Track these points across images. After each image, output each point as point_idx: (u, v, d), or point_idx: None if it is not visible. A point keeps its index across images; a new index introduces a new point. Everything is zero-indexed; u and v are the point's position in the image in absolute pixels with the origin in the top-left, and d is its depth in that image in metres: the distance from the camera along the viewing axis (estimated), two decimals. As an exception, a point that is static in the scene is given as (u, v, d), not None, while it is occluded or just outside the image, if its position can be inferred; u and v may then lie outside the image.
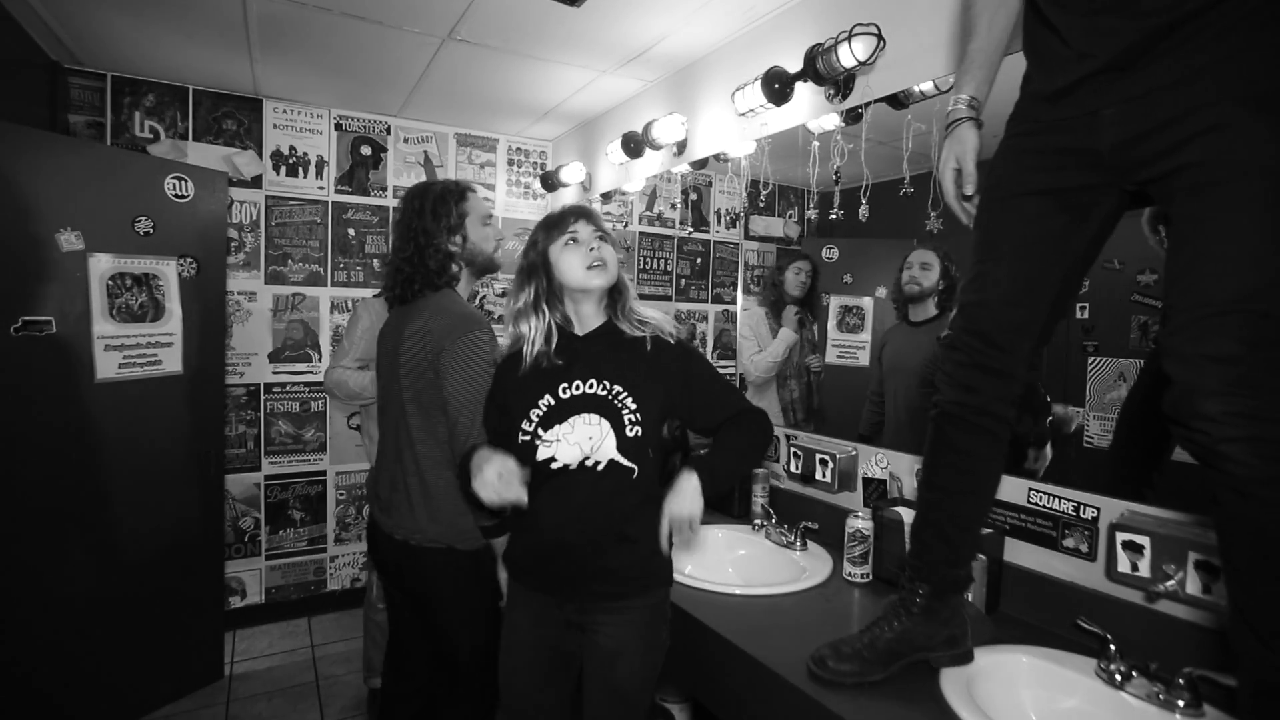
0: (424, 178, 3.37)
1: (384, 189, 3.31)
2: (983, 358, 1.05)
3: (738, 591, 1.48)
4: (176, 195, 2.40)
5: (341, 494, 3.29)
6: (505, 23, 2.24)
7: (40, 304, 2.06)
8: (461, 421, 1.42)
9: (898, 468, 1.69)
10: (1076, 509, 1.31)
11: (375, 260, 3.28)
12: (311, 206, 3.14)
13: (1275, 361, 0.72)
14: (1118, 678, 1.08)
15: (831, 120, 1.92)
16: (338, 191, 3.20)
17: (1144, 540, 1.13)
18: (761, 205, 2.61)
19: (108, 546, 2.25)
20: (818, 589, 1.52)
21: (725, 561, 1.81)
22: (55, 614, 2.12)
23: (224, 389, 2.73)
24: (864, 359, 2.30)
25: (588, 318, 1.30)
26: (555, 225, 1.28)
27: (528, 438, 1.23)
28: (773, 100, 1.93)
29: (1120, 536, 1.16)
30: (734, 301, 2.86)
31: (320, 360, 3.20)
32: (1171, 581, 1.09)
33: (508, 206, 3.59)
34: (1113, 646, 1.10)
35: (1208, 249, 0.76)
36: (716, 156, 2.38)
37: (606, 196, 3.17)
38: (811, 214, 2.07)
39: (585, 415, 1.22)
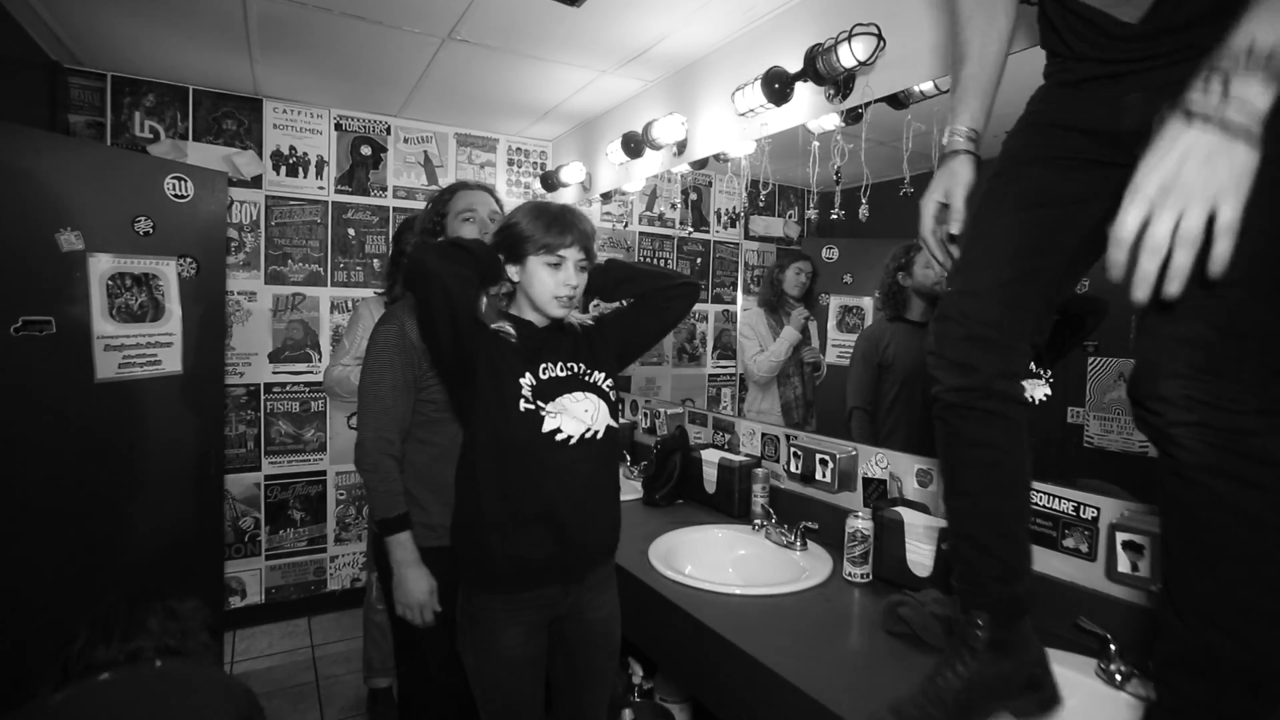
0: (424, 178, 3.38)
1: (384, 189, 3.31)
2: (978, 329, 0.92)
3: (738, 591, 1.48)
4: (176, 195, 2.40)
5: (341, 494, 3.29)
6: (505, 23, 2.24)
7: (40, 304, 2.06)
8: (362, 399, 1.48)
9: (898, 468, 1.69)
10: (1076, 509, 1.31)
11: (375, 260, 3.28)
12: (311, 206, 3.14)
13: (1243, 350, 0.71)
14: (1118, 678, 1.08)
15: (831, 120, 1.92)
16: (338, 191, 3.20)
17: (1144, 540, 1.13)
18: (761, 205, 2.61)
19: (107, 546, 2.25)
20: (818, 589, 1.52)
21: (725, 561, 1.81)
22: (55, 614, 2.12)
23: (224, 389, 2.74)
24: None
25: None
26: (548, 238, 1.24)
27: (531, 407, 1.22)
28: (773, 100, 1.93)
29: (1120, 536, 1.16)
30: (734, 301, 2.86)
31: (320, 360, 3.20)
32: (1171, 581, 1.09)
33: (508, 206, 3.59)
34: (1113, 646, 1.10)
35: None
36: (716, 156, 2.38)
37: (606, 196, 3.17)
38: (811, 214, 2.07)
39: (572, 394, 1.26)
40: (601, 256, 1.39)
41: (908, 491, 1.66)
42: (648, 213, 3.31)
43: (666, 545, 1.72)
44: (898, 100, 1.72)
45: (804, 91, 1.96)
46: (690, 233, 3.23)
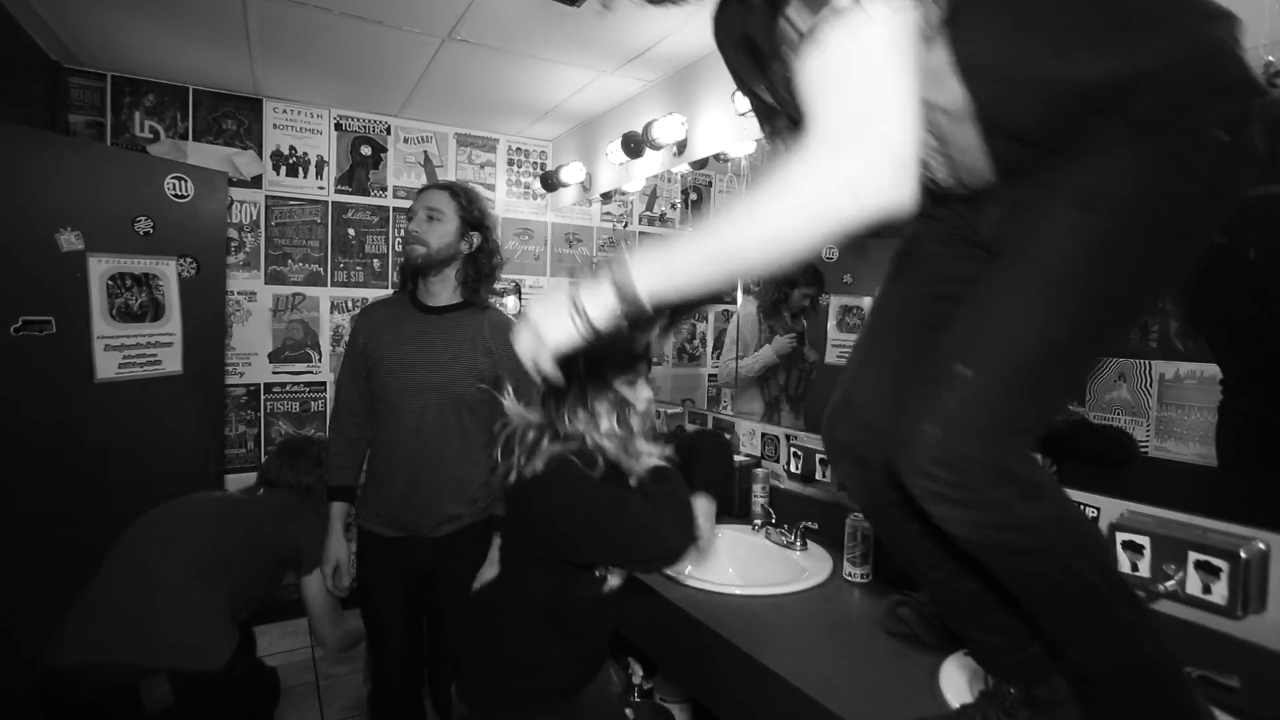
0: (424, 178, 3.38)
1: (384, 189, 3.31)
2: (853, 450, 0.94)
3: (738, 591, 1.48)
4: (176, 195, 2.40)
5: (341, 494, 3.29)
6: (505, 23, 2.24)
7: (40, 304, 2.06)
8: None
9: (898, 468, 1.68)
10: (1076, 509, 1.31)
11: (375, 260, 3.28)
12: (311, 206, 3.14)
13: (966, 419, 0.75)
14: (1118, 677, 1.08)
15: (831, 120, 1.92)
16: (338, 191, 3.20)
17: (1144, 540, 1.13)
18: (761, 205, 2.61)
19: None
20: (818, 589, 1.52)
21: (725, 561, 1.81)
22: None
23: (224, 389, 2.74)
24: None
25: None
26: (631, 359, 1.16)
27: None
28: (773, 100, 1.93)
29: (1120, 536, 1.16)
30: (734, 301, 2.86)
31: (320, 360, 3.20)
32: (1171, 581, 1.09)
33: (507, 206, 3.59)
34: (1113, 646, 1.10)
35: (968, 309, 0.81)
36: (716, 156, 2.38)
37: (606, 196, 3.17)
38: (811, 214, 2.07)
39: None
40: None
41: (908, 491, 1.65)
42: (648, 213, 3.31)
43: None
44: (898, 100, 1.72)
45: (804, 91, 1.95)
46: (690, 233, 3.22)
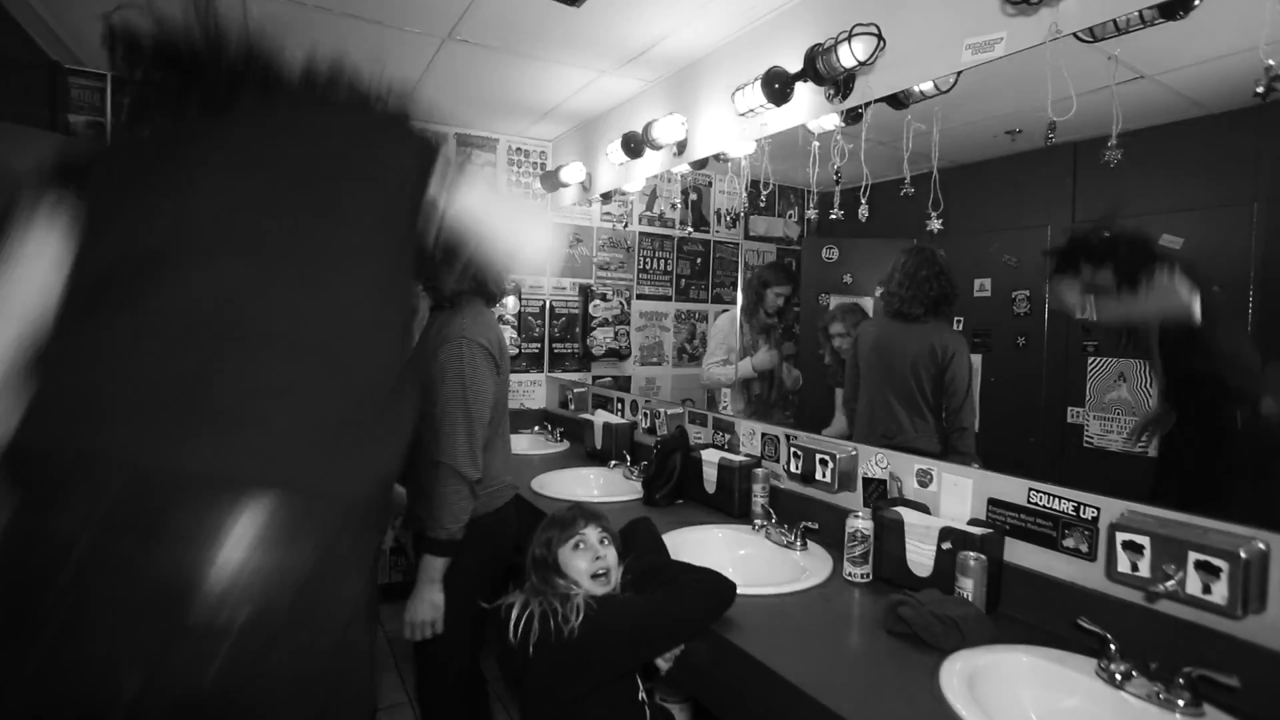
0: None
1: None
2: None
3: (738, 591, 1.48)
4: (176, 195, 2.40)
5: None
6: (505, 23, 2.24)
7: (40, 304, 2.06)
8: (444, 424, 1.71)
9: (898, 468, 1.69)
10: (1076, 509, 1.31)
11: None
12: (311, 206, 3.14)
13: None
14: (1118, 677, 1.08)
15: (831, 120, 1.92)
16: (338, 191, 3.20)
17: (1144, 540, 1.13)
18: (761, 205, 2.62)
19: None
20: (818, 589, 1.52)
21: (725, 561, 1.81)
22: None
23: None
24: (864, 359, 2.30)
25: None
26: (563, 534, 1.41)
27: None
28: (773, 100, 1.93)
29: (1120, 536, 1.16)
30: (734, 301, 2.86)
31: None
32: (1171, 581, 1.09)
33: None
34: (1113, 646, 1.10)
35: None
36: (716, 156, 2.38)
37: (606, 196, 3.17)
38: (811, 214, 2.07)
39: None
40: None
41: (908, 491, 1.66)
42: (648, 213, 3.31)
43: (667, 545, 1.72)
44: (898, 100, 1.72)
45: (804, 91, 1.96)
46: (690, 233, 3.23)
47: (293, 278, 0.72)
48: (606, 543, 1.43)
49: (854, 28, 1.64)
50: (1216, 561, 1.04)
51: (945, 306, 1.94)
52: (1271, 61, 1.10)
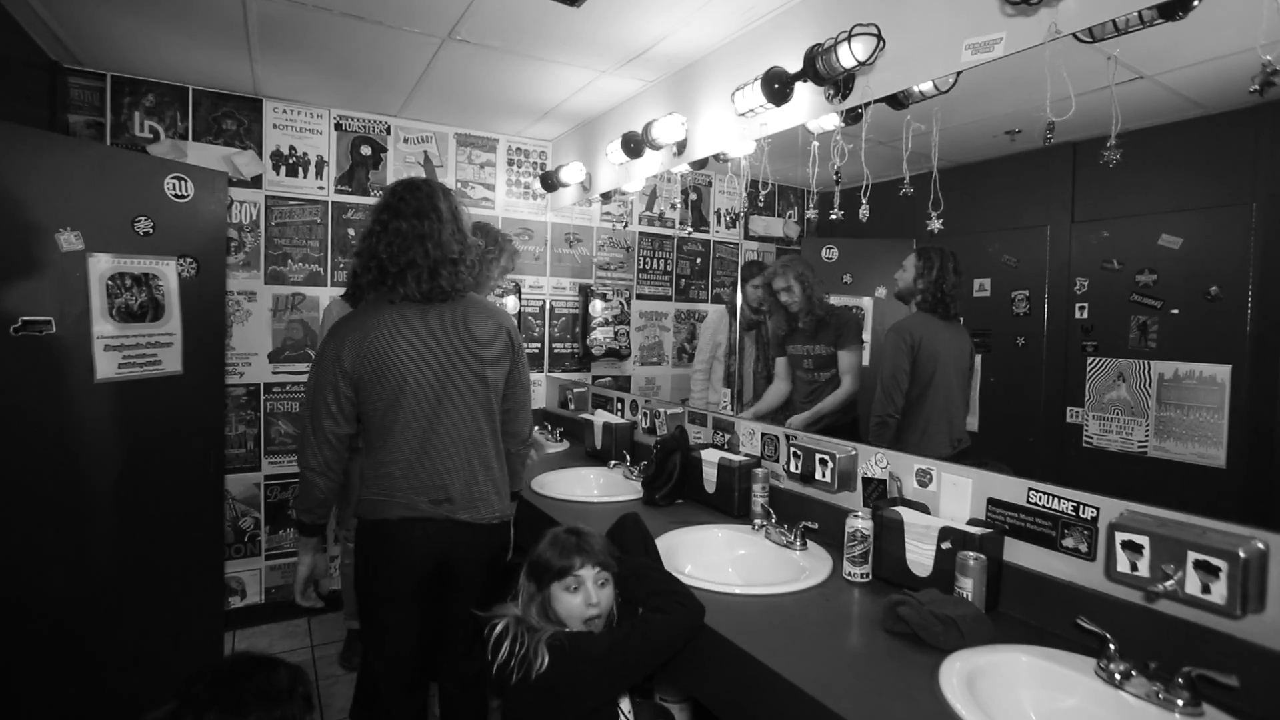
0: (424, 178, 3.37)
1: (384, 189, 3.31)
2: None
3: (738, 591, 1.48)
4: (176, 195, 2.40)
5: (341, 494, 3.29)
6: (505, 23, 2.25)
7: (40, 304, 2.06)
8: (530, 396, 1.82)
9: (898, 468, 1.69)
10: (1076, 509, 1.31)
11: (375, 260, 3.28)
12: (311, 206, 3.14)
13: None
14: (1117, 677, 1.08)
15: (831, 120, 1.92)
16: (338, 191, 3.20)
17: (1143, 540, 1.13)
18: (761, 205, 2.62)
19: (107, 546, 2.25)
20: (818, 589, 1.52)
21: (725, 561, 1.81)
22: (54, 613, 2.12)
23: (224, 389, 2.73)
24: (864, 359, 2.30)
25: None
26: (558, 568, 1.35)
27: None
28: (773, 100, 1.93)
29: (1119, 536, 1.16)
30: (734, 301, 2.86)
31: (320, 360, 3.20)
32: (1170, 581, 1.09)
33: (508, 206, 3.59)
34: (1112, 646, 1.10)
35: None
36: (716, 156, 2.38)
37: (606, 196, 3.17)
38: (811, 214, 2.07)
39: None
40: None
41: (907, 491, 1.66)
42: (648, 213, 3.31)
43: (666, 545, 1.72)
44: (897, 100, 1.72)
45: (804, 92, 1.96)
46: (690, 233, 3.23)
47: None
48: (604, 584, 1.37)
49: (854, 28, 1.64)
50: (1216, 561, 1.05)
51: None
52: (1269, 57, 1.10)
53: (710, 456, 2.13)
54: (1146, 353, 1.61)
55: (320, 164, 3.16)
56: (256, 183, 3.03)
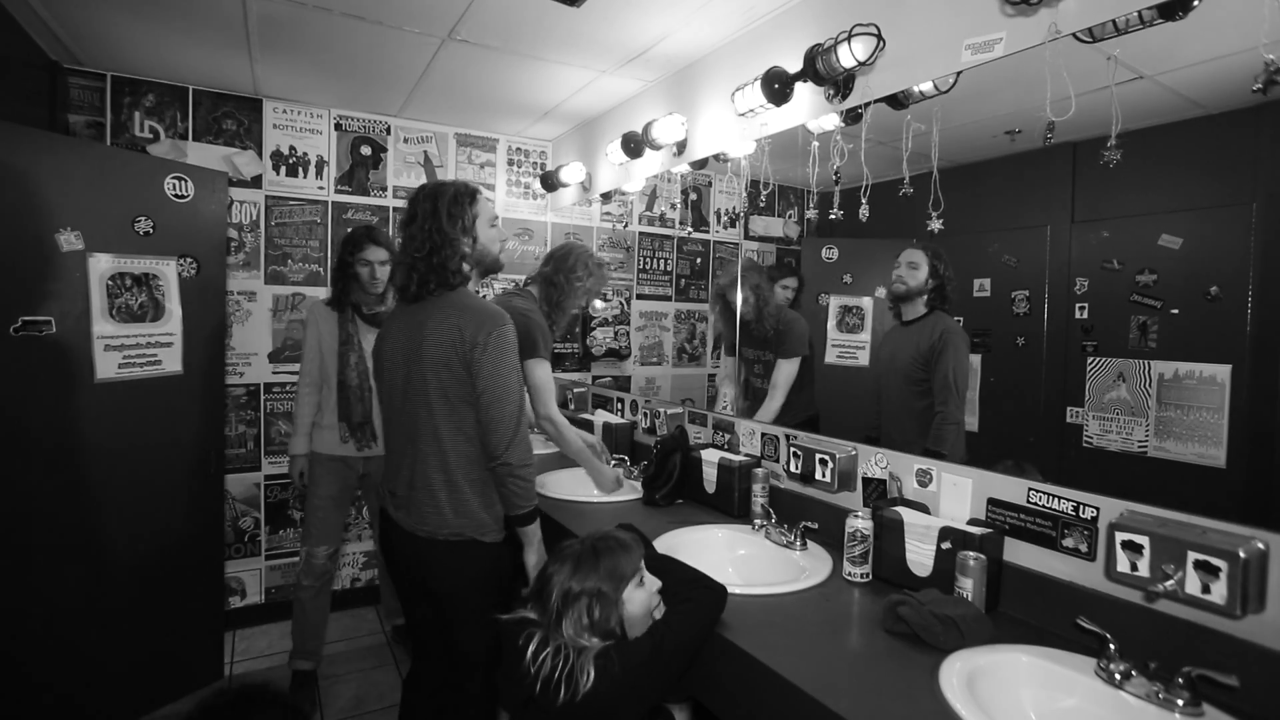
0: (424, 178, 3.37)
1: (384, 189, 3.31)
2: None
3: (738, 591, 1.48)
4: (176, 195, 2.40)
5: (341, 494, 3.29)
6: (505, 23, 2.25)
7: (40, 304, 2.06)
8: (508, 409, 1.54)
9: (898, 468, 1.69)
10: (1076, 509, 1.31)
11: (375, 260, 3.28)
12: (311, 206, 3.14)
13: None
14: (1117, 677, 1.08)
15: (831, 120, 1.92)
16: (338, 191, 3.20)
17: (1143, 540, 1.13)
18: (761, 205, 2.62)
19: (108, 546, 2.25)
20: (817, 589, 1.52)
21: (725, 561, 1.81)
22: (55, 613, 2.12)
23: (224, 389, 2.73)
24: (864, 359, 2.31)
25: None
26: (633, 570, 1.29)
27: None
28: (772, 100, 1.93)
29: (1119, 536, 1.16)
30: (734, 301, 2.86)
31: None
32: (1171, 581, 1.09)
33: (508, 206, 3.59)
34: (1112, 646, 1.10)
35: None
36: (716, 156, 2.38)
37: (606, 196, 3.17)
38: (811, 214, 2.07)
39: None
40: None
41: (907, 491, 1.66)
42: (648, 213, 3.31)
43: (666, 545, 1.72)
44: (897, 100, 1.72)
45: (804, 92, 1.96)
46: (690, 233, 3.23)
47: None
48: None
49: (854, 28, 1.64)
50: (1216, 561, 1.05)
51: None
52: (1271, 56, 1.10)
53: (710, 456, 2.12)
54: (1146, 353, 1.61)
55: (320, 164, 3.16)
56: (256, 183, 3.03)
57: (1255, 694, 1.01)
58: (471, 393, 1.53)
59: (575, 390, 3.36)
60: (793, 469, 1.90)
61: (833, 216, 1.96)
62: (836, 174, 1.92)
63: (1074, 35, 1.32)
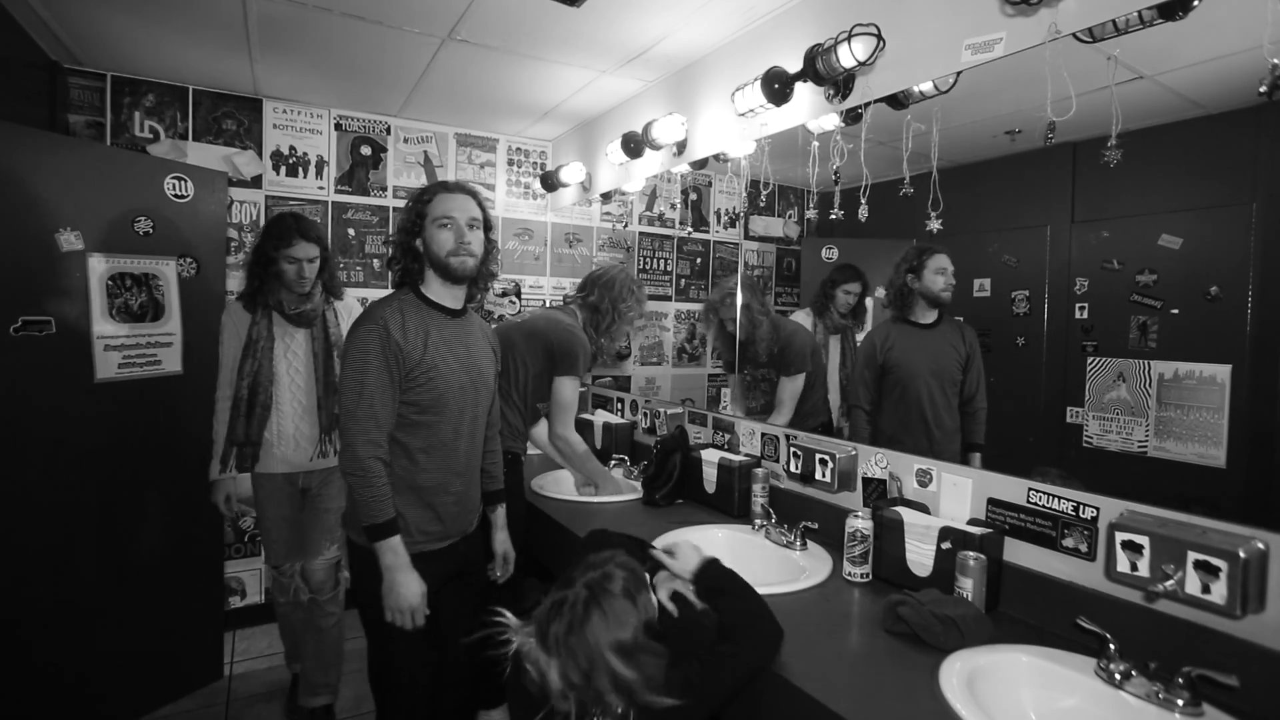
0: (424, 178, 3.38)
1: (384, 189, 3.31)
2: None
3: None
4: (176, 195, 2.40)
5: (341, 494, 3.28)
6: (505, 23, 2.25)
7: (40, 304, 2.06)
8: (345, 408, 1.49)
9: (898, 468, 1.69)
10: (1076, 509, 1.31)
11: (375, 260, 3.28)
12: (311, 206, 3.14)
13: None
14: (1117, 677, 1.08)
15: (831, 120, 1.92)
16: (338, 191, 3.20)
17: (1143, 540, 1.13)
18: (761, 205, 2.62)
19: (107, 546, 2.25)
20: (817, 589, 1.52)
21: (725, 561, 1.80)
22: (55, 613, 2.12)
23: (224, 389, 2.73)
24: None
25: None
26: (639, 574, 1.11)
27: None
28: (772, 100, 1.93)
29: (1119, 536, 1.16)
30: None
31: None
32: (1170, 581, 1.09)
33: (508, 206, 3.59)
34: (1112, 646, 1.10)
35: None
36: (716, 156, 2.38)
37: (606, 196, 3.18)
38: (811, 214, 2.07)
39: None
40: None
41: (908, 491, 1.66)
42: (648, 213, 3.31)
43: (666, 545, 1.72)
44: (897, 100, 1.72)
45: (804, 92, 1.96)
46: (690, 233, 3.23)
47: None
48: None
49: (854, 28, 1.64)
50: (1216, 561, 1.05)
51: None
52: (1277, 60, 1.10)
53: (710, 456, 2.13)
54: (1146, 353, 1.61)
55: (320, 164, 3.16)
56: (256, 183, 3.03)
57: (1255, 694, 1.01)
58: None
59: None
60: (793, 469, 1.90)
61: (833, 216, 1.96)
62: (836, 174, 1.92)
63: (1074, 35, 1.32)
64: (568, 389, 2.19)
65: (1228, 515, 1.11)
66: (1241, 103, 1.39)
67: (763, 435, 2.13)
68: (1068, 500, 1.33)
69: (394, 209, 3.30)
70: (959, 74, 1.57)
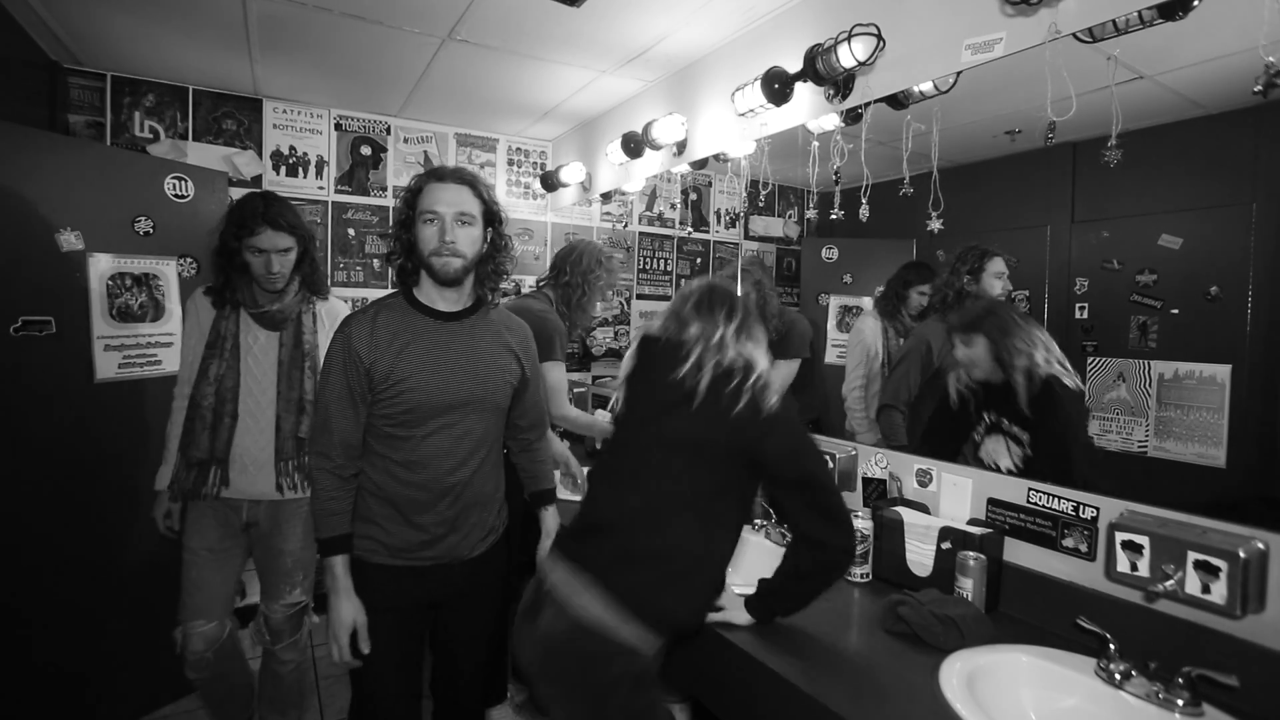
0: (424, 178, 3.37)
1: (384, 189, 3.31)
2: None
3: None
4: (176, 195, 2.40)
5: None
6: (505, 23, 2.25)
7: (40, 304, 2.06)
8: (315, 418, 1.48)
9: (898, 468, 1.69)
10: (1076, 509, 1.31)
11: (375, 260, 3.28)
12: (311, 206, 3.14)
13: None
14: (1117, 677, 1.08)
15: (831, 120, 1.92)
16: (338, 191, 3.20)
17: (1143, 540, 1.13)
18: (761, 205, 2.62)
19: (107, 546, 2.25)
20: (818, 589, 1.51)
21: (725, 561, 1.80)
22: (54, 614, 2.12)
23: (224, 389, 2.73)
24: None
25: None
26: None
27: None
28: (772, 100, 1.93)
29: (1119, 536, 1.16)
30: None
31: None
32: (1170, 581, 1.09)
33: (508, 206, 3.58)
34: (1112, 646, 1.10)
35: None
36: (716, 156, 2.38)
37: (606, 196, 3.18)
38: (811, 214, 2.07)
39: None
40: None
41: (907, 491, 1.66)
42: (648, 213, 3.31)
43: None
44: (897, 100, 1.72)
45: (804, 92, 1.96)
46: (690, 233, 3.23)
47: None
48: None
49: (854, 28, 1.64)
50: (1216, 561, 1.05)
51: None
52: (1271, 59, 1.10)
53: (710, 456, 2.12)
54: (1146, 353, 1.61)
55: (320, 164, 3.16)
56: (256, 183, 3.03)
57: (1255, 694, 1.01)
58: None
59: (575, 390, 3.36)
60: (793, 469, 1.90)
61: (833, 216, 1.96)
62: (836, 174, 1.92)
63: (1074, 35, 1.32)
64: (553, 373, 2.19)
65: (1228, 515, 1.11)
66: (1241, 103, 1.39)
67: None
68: (1068, 500, 1.33)
69: (394, 209, 3.30)
70: (959, 74, 1.57)
